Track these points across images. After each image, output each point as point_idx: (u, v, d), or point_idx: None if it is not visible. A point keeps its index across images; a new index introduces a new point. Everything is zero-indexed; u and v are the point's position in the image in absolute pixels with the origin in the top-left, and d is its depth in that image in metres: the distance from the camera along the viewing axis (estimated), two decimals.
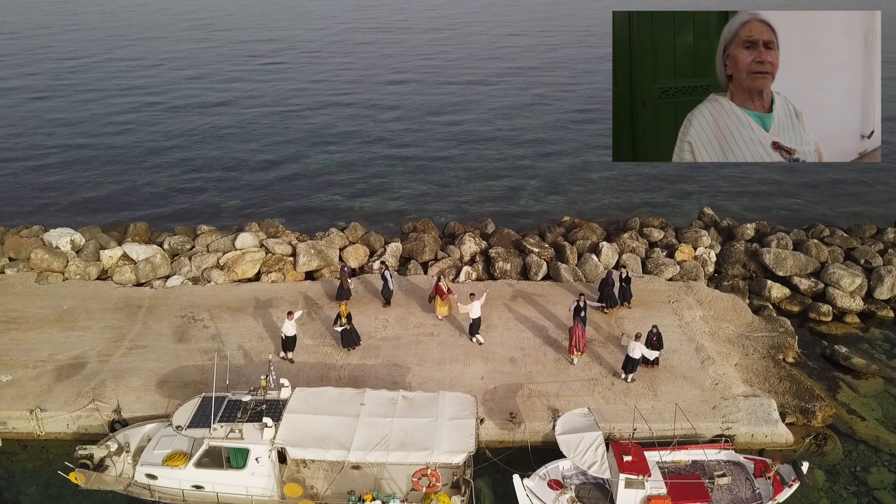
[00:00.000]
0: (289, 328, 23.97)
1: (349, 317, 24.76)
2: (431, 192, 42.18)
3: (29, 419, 22.26)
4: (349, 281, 27.70)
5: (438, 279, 26.74)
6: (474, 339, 25.56)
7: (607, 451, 19.22)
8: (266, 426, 18.41)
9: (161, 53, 78.62)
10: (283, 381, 20.17)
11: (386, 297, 27.75)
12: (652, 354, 23.33)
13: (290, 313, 24.15)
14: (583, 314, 25.12)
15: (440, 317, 26.69)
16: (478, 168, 45.69)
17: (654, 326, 23.78)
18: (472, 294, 25.71)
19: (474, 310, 25.18)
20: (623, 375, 23.59)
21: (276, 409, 19.30)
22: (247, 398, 19.33)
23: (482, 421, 20.47)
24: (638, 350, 22.83)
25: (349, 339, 24.90)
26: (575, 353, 24.50)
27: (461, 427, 18.96)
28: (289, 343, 24.32)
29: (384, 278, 27.56)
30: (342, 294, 27.31)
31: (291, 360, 24.39)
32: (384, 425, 18.92)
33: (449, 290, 26.44)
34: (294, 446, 18.28)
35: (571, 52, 77.92)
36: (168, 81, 66.28)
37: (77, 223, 34.97)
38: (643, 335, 23.27)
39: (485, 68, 71.00)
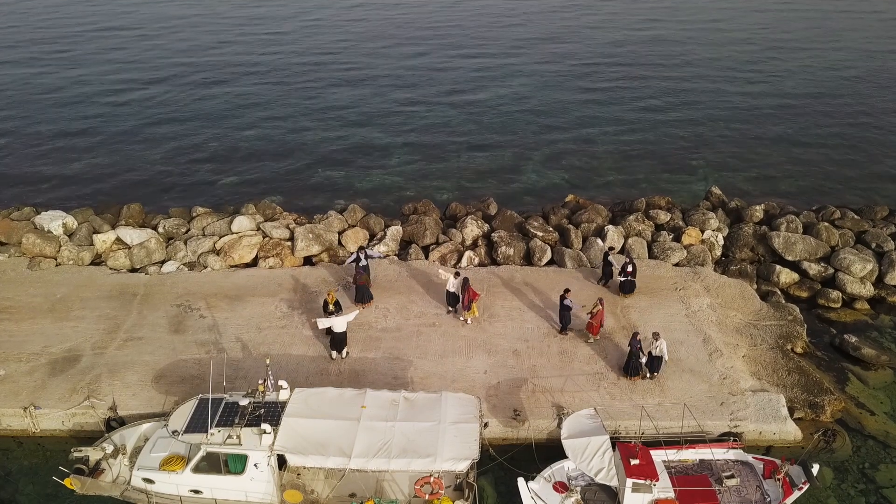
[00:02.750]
0: (340, 324, 22.89)
1: (337, 304, 24.26)
2: (432, 168, 41.18)
3: (23, 416, 21.83)
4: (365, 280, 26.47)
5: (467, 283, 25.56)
6: (450, 309, 25.81)
7: (614, 452, 18.84)
8: (264, 432, 17.94)
9: (155, 25, 76.16)
10: (282, 382, 19.64)
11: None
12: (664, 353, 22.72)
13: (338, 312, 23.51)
14: (567, 312, 24.68)
15: (469, 320, 25.65)
16: (480, 141, 44.55)
17: (636, 333, 22.82)
18: (457, 273, 25.74)
19: (450, 284, 25.37)
20: (649, 374, 22.98)
21: (274, 413, 18.80)
22: (244, 401, 18.78)
23: (486, 425, 19.99)
24: (663, 347, 22.39)
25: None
26: (592, 333, 24.42)
27: (464, 432, 18.47)
28: (337, 341, 23.36)
29: (358, 259, 26.81)
30: (361, 297, 26.31)
31: (346, 355, 23.67)
32: (385, 430, 18.42)
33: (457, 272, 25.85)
34: (293, 453, 17.83)
35: (578, 26, 75.52)
36: (162, 54, 64.19)
37: (68, 204, 34.17)
38: (659, 333, 22.84)
39: (488, 39, 68.88)
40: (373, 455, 17.79)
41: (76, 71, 58.86)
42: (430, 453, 17.83)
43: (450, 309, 25.95)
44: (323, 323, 23.34)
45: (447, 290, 25.62)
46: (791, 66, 60.01)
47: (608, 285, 27.65)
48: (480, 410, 19.70)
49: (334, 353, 23.76)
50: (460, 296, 25.25)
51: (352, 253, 28.34)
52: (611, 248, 28.26)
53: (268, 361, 19.82)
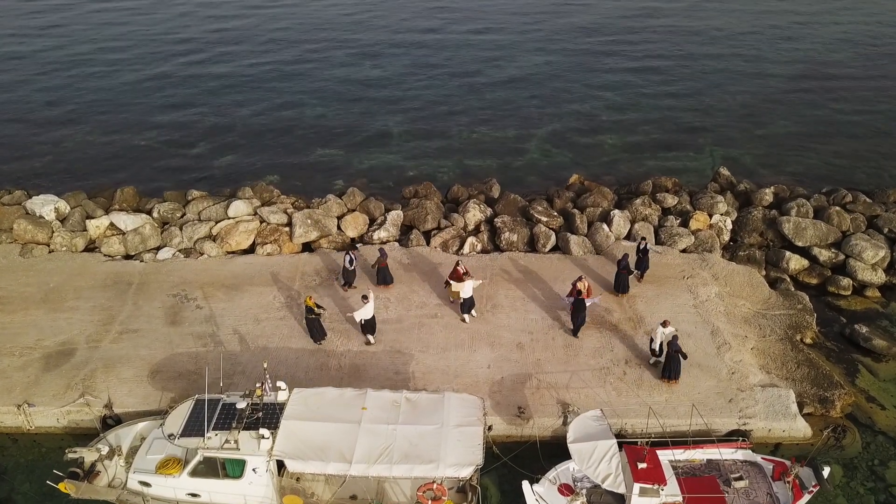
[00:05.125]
0: (367, 311, 23.00)
1: (317, 306, 23.64)
2: (433, 146, 40.18)
3: (17, 414, 21.39)
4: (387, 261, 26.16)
5: (457, 264, 24.97)
6: (466, 318, 24.72)
7: (620, 454, 18.41)
8: (262, 437, 17.47)
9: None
10: (280, 383, 19.09)
11: (347, 279, 26.35)
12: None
13: (364, 297, 23.13)
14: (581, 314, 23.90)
15: (453, 300, 25.19)
16: (482, 117, 43.43)
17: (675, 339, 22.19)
18: (465, 273, 24.77)
19: (466, 289, 24.20)
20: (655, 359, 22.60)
21: (273, 415, 18.30)
22: (242, 403, 18.28)
23: (490, 428, 19.50)
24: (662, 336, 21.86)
25: (319, 331, 23.83)
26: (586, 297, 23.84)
27: (468, 436, 17.98)
28: (371, 327, 23.58)
29: (347, 259, 26.07)
30: (383, 278, 26.03)
31: (371, 343, 23.89)
32: (387, 434, 17.94)
33: (466, 272, 24.81)
34: (292, 458, 17.37)
35: (584, 1, 73.22)
36: (157, 30, 62.08)
37: (60, 187, 33.27)
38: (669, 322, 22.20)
39: (493, 14, 66.64)
40: (374, 460, 17.34)
41: (67, 48, 57.08)
42: (432, 459, 17.37)
43: (467, 317, 24.84)
44: (360, 315, 23.13)
45: (464, 299, 24.31)
46: (801, 42, 58.18)
47: (643, 279, 26.57)
48: (484, 412, 19.19)
49: (371, 337, 23.79)
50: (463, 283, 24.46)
51: (346, 252, 27.16)
52: (643, 238, 27.17)
53: (265, 365, 19.24)
